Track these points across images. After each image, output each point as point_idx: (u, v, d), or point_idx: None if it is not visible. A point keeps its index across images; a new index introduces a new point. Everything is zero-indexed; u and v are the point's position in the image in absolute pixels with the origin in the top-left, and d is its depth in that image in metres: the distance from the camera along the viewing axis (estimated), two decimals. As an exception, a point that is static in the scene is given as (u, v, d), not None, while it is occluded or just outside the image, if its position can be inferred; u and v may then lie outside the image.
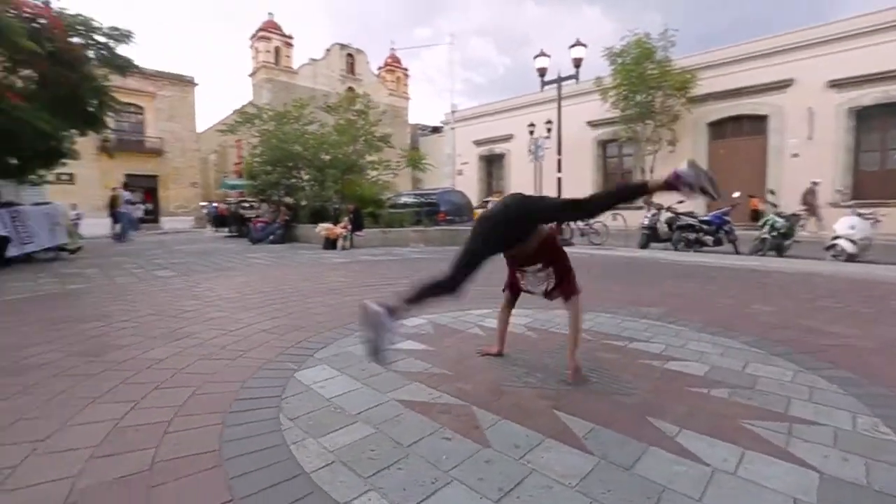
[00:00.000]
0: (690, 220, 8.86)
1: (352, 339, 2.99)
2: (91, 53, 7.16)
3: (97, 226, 16.41)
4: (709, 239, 8.67)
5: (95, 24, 7.16)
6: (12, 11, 6.05)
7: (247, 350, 2.79)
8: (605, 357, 2.64)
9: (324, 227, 9.68)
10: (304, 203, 11.85)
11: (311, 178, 11.75)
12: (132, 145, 23.12)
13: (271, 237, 11.36)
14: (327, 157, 11.81)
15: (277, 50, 31.75)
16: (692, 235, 8.71)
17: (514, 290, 2.61)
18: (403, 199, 15.48)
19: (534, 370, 2.42)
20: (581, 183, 18.78)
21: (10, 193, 12.57)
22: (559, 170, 10.21)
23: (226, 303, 4.18)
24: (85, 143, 21.34)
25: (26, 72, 6.74)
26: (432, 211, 13.85)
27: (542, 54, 10.02)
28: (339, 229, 9.61)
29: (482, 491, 1.40)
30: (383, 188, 12.58)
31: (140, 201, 23.43)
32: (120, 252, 9.36)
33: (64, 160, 8.87)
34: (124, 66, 7.85)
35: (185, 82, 24.18)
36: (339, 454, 1.62)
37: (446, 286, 2.06)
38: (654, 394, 2.10)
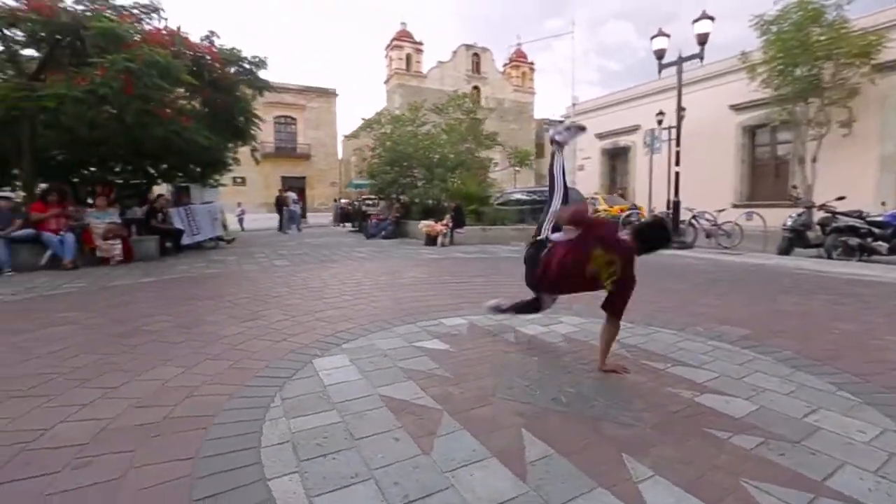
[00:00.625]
0: (853, 222, 7.09)
1: (385, 333, 3.17)
2: (239, 79, 8.70)
3: (258, 220, 19.78)
4: (881, 246, 6.82)
5: (242, 55, 8.68)
6: (187, 52, 7.69)
7: (293, 335, 3.16)
8: (629, 378, 2.35)
9: (425, 224, 10.17)
10: (416, 201, 12.59)
11: (421, 176, 12.41)
12: (287, 151, 27.23)
13: (383, 232, 12.33)
14: (436, 157, 12.34)
15: (408, 57, 34.04)
16: (854, 241, 6.96)
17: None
18: (516, 196, 15.40)
19: (540, 384, 2.28)
20: (722, 177, 16.30)
21: (197, 194, 15.91)
22: (677, 163, 9.03)
23: (308, 291, 4.74)
24: (248, 156, 25.99)
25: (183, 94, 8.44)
26: (542, 208, 13.54)
27: (661, 34, 8.92)
28: (439, 226, 9.99)
29: (389, 495, 1.42)
30: (489, 186, 12.67)
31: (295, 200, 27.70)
32: (260, 243, 11.15)
33: (229, 167, 10.84)
34: (263, 87, 9.35)
35: (328, 94, 27.54)
36: (296, 436, 1.78)
37: None
38: (657, 429, 1.82)
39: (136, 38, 6.44)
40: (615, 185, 21.36)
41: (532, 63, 38.71)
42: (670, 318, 3.49)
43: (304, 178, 27.76)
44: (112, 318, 3.69)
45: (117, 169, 9.83)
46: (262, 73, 9.28)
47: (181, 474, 1.53)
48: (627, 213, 11.69)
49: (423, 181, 12.99)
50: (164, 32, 7.39)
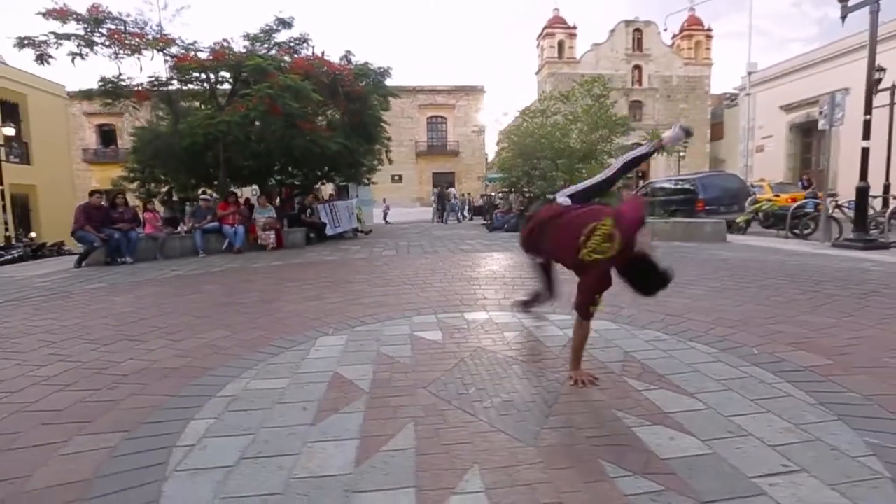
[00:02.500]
0: None
1: (402, 320, 3.42)
2: (367, 89, 9.88)
3: (410, 213, 21.92)
4: None
5: (370, 68, 9.82)
6: (325, 72, 9.12)
7: (329, 314, 3.65)
8: (584, 393, 2.11)
9: (536, 218, 9.93)
10: (539, 193, 12.34)
11: (544, 168, 12.08)
12: (438, 149, 29.26)
13: (506, 226, 12.44)
14: (561, 147, 11.85)
15: (560, 43, 32.80)
16: None
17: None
18: (661, 185, 13.73)
19: (480, 385, 2.23)
20: None
21: (353, 191, 18.42)
22: (865, 136, 6.83)
23: (380, 279, 5.27)
24: (407, 153, 28.70)
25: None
26: (689, 199, 11.83)
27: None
28: (550, 220, 9.65)
29: (249, 447, 1.69)
30: (616, 176, 11.58)
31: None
32: (394, 234, 12.40)
33: (374, 168, 12.37)
34: (388, 94, 10.41)
35: (476, 91, 28.55)
36: (243, 392, 2.19)
37: None
38: (546, 450, 1.65)
39: (281, 66, 7.94)
40: (810, 167, 16.98)
41: (709, 30, 33.19)
42: (741, 335, 2.87)
43: (452, 173, 29.51)
44: (227, 290, 4.79)
45: (293, 173, 12.16)
46: (391, 81, 10.34)
47: (167, 393, 2.07)
48: (799, 203, 9.33)
49: (547, 172, 12.62)
50: (307, 59, 8.88)
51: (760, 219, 10.45)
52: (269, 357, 2.70)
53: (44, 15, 6.97)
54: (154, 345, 2.99)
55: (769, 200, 10.76)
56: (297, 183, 12.48)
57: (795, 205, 9.37)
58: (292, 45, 9.38)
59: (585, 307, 2.18)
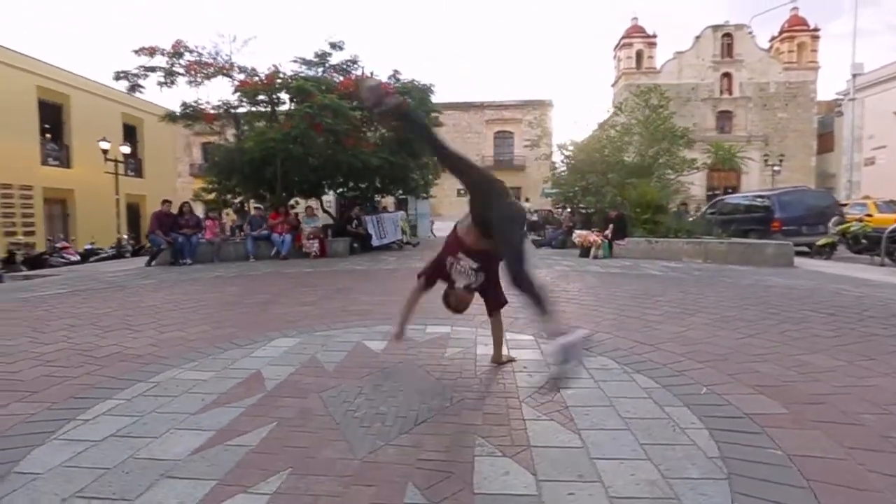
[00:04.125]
0: None
1: (364, 329, 3.51)
2: (413, 106, 10.25)
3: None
4: None
5: (416, 85, 10.18)
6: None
7: (309, 318, 3.85)
8: (467, 415, 2.02)
9: (578, 235, 9.52)
10: (584, 209, 11.84)
11: (595, 182, 11.56)
12: (504, 164, 29.16)
13: (553, 242, 12.06)
14: (613, 161, 11.29)
15: (639, 54, 31.27)
16: None
17: (430, 280, 2.61)
18: (734, 202, 12.46)
19: (377, 395, 2.24)
20: None
21: (412, 204, 18.99)
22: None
23: (386, 290, 5.41)
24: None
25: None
26: (765, 218, 10.62)
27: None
28: (592, 236, 9.19)
29: (123, 423, 1.86)
30: (673, 192, 10.72)
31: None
32: (432, 246, 12.55)
33: (422, 185, 12.75)
34: (434, 112, 10.68)
35: (543, 105, 28.13)
36: (165, 381, 2.41)
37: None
38: (367, 465, 1.62)
39: (330, 87, 8.56)
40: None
41: (815, 29, 29.57)
42: (704, 372, 2.55)
43: (519, 188, 29.20)
44: (243, 292, 5.24)
45: (351, 186, 12.93)
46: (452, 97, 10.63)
47: (113, 375, 2.36)
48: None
49: (602, 187, 12.06)
50: (356, 79, 9.47)
51: (849, 242, 9.02)
52: (220, 352, 2.92)
53: (137, 52, 8.28)
54: (142, 334, 3.39)
55: (859, 221, 9.24)
56: (353, 195, 13.22)
57: (892, 227, 7.96)
58: (345, 66, 10.07)
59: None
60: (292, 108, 9.24)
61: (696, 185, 15.56)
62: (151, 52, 8.41)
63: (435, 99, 10.93)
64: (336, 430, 1.85)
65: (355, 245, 10.66)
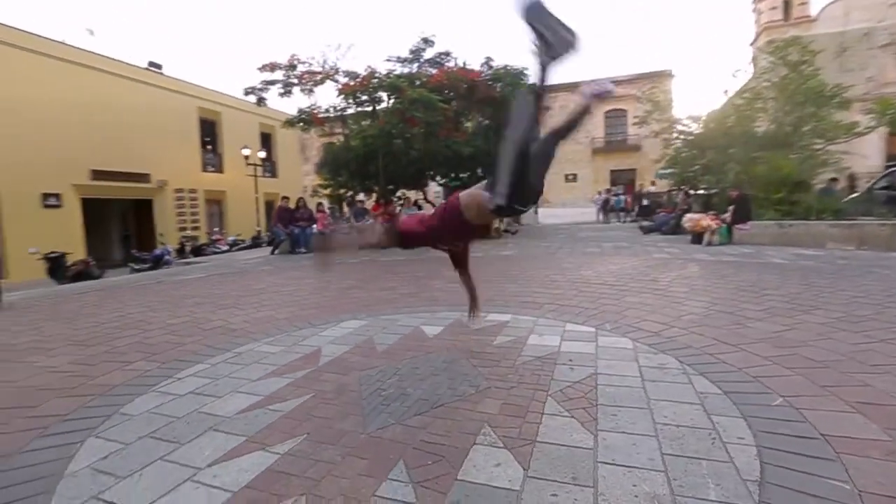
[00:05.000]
0: None
1: (428, 315, 3.64)
2: (503, 93, 10.05)
3: (573, 215, 21.06)
4: None
5: (510, 70, 9.96)
6: (462, 79, 9.71)
7: (381, 302, 4.11)
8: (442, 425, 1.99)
9: (689, 219, 8.47)
10: (703, 190, 10.45)
11: (714, 159, 10.11)
12: (617, 145, 27.05)
13: (663, 227, 10.92)
14: (737, 133, 9.75)
15: (786, 2, 26.26)
16: None
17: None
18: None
19: (410, 378, 2.32)
20: None
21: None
22: None
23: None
24: (583, 150, 27.38)
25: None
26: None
27: None
28: (706, 220, 8.11)
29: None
30: (819, 165, 8.84)
31: (622, 193, 27.34)
32: (530, 234, 12.23)
33: None
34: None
35: (662, 77, 25.26)
36: (246, 351, 2.80)
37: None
38: (368, 439, 1.70)
39: (423, 82, 8.87)
40: None
41: None
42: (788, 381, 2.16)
43: (634, 170, 26.85)
44: (340, 277, 5.77)
45: (454, 176, 13.30)
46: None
47: (204, 342, 2.87)
48: None
49: (725, 164, 10.55)
50: (447, 71, 9.64)
51: None
52: (296, 330, 3.29)
53: (260, 69, 9.54)
54: (244, 311, 3.96)
55: None
56: (456, 185, 13.53)
57: None
58: (438, 59, 10.30)
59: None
60: (389, 105, 9.78)
61: (862, 154, 12.66)
62: (272, 67, 9.61)
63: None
64: (359, 406, 1.98)
65: (451, 233, 10.95)
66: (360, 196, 11.73)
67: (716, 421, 1.70)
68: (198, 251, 13.97)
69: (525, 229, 14.78)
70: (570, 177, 28.46)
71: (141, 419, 1.96)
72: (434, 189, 14.97)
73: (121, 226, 17.34)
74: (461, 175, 12.99)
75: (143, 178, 15.37)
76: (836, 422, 1.66)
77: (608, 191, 19.46)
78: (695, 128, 11.77)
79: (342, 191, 13.02)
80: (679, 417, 1.75)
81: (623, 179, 27.01)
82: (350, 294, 4.64)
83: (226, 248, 14.38)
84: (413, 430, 1.75)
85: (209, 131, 18.63)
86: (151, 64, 16.46)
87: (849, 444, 1.52)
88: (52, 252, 10.70)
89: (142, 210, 16.48)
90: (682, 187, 12.88)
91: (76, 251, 12.11)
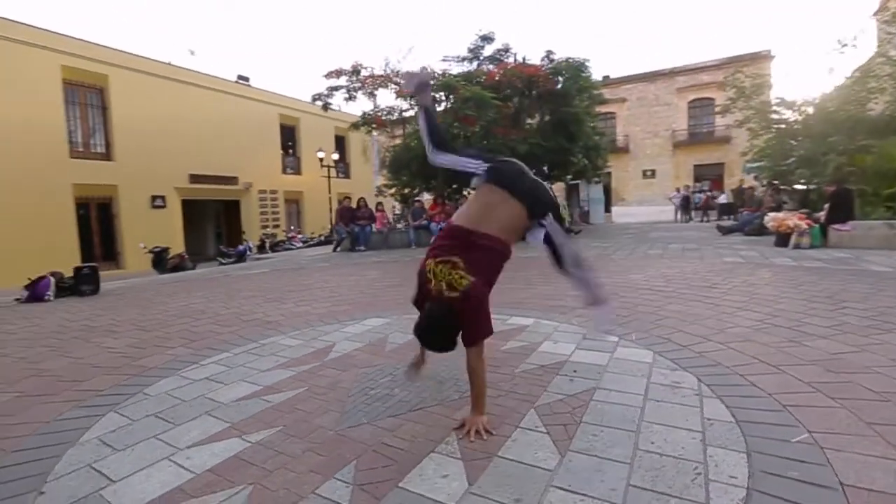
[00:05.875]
0: None
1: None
2: (560, 88, 9.61)
3: (661, 213, 19.75)
4: None
5: (570, 62, 9.52)
6: (520, 74, 9.48)
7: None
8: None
9: (773, 218, 7.50)
10: (801, 186, 9.19)
11: (808, 150, 8.83)
12: (702, 137, 24.72)
13: (746, 227, 9.80)
14: (843, 119, 8.44)
15: (925, -38, 22.13)
16: None
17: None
18: None
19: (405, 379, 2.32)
20: None
21: (584, 189, 18.06)
22: None
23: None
24: (662, 144, 25.43)
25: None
26: None
27: None
28: (792, 220, 7.13)
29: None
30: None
31: (707, 190, 24.98)
32: (595, 233, 11.59)
33: (574, 168, 12.10)
34: (590, 88, 9.80)
35: (759, 59, 22.54)
36: (269, 343, 2.98)
37: None
38: (333, 435, 1.71)
39: (479, 80, 8.82)
40: None
41: None
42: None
43: (721, 164, 24.35)
44: (385, 276, 5.94)
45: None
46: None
47: (234, 330, 3.12)
48: None
49: (825, 155, 9.21)
50: (505, 67, 9.48)
51: None
52: (321, 325, 3.44)
53: (325, 75, 10.10)
54: (284, 306, 4.23)
55: None
56: None
57: None
58: (497, 56, 10.16)
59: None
60: (447, 105, 9.86)
61: None
62: (338, 73, 10.14)
63: (614, 74, 10.09)
64: (342, 403, 2.02)
65: (508, 233, 10.76)
66: (420, 196, 11.95)
67: (710, 454, 1.49)
68: (275, 247, 15.17)
69: (591, 229, 14.16)
70: (648, 173, 26.56)
71: (155, 399, 2.17)
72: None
73: (214, 224, 19.34)
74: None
75: (231, 180, 17.01)
76: (867, 470, 1.37)
77: (687, 187, 17.87)
78: (789, 115, 10.41)
79: (406, 190, 13.38)
80: (668, 445, 1.55)
81: (708, 175, 24.71)
82: (387, 292, 4.74)
83: (299, 245, 15.45)
84: (381, 431, 1.74)
85: (289, 136, 20.11)
86: (240, 77, 18.13)
87: (873, 502, 1.24)
88: (156, 247, 12.24)
89: (231, 210, 18.25)
90: (774, 182, 11.48)
91: (176, 246, 13.74)
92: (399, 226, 10.96)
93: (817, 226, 7.00)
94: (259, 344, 3.02)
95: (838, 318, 2.97)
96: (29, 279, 5.28)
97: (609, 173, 25.44)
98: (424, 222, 10.34)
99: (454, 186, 11.86)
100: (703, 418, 1.72)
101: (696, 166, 25.14)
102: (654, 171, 26.40)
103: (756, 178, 13.77)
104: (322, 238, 16.25)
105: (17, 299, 5.14)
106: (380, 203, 11.22)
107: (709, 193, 17.17)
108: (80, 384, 2.44)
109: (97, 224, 13.45)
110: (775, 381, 2.04)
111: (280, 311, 4.04)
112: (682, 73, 24.79)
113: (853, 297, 3.57)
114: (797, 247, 6.84)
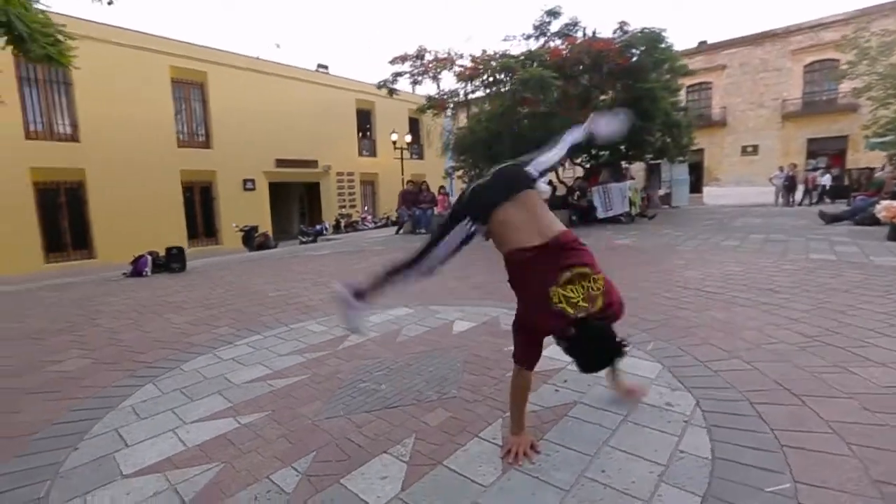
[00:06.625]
0: None
1: (463, 308, 3.64)
2: (634, 62, 8.77)
3: (762, 195, 17.73)
4: None
5: (646, 33, 8.65)
6: (588, 50, 8.85)
7: (425, 294, 4.25)
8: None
9: (886, 206, 6.34)
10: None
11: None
12: (820, 107, 21.25)
13: (856, 216, 8.39)
14: None
15: None
16: None
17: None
18: None
19: (406, 373, 2.42)
20: None
21: (666, 169, 16.69)
22: None
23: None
24: (768, 116, 22.32)
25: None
26: None
27: None
28: (911, 211, 5.98)
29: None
30: None
31: (824, 167, 21.56)
32: (669, 220, 10.63)
33: (651, 149, 11.20)
34: (665, 60, 8.85)
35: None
36: (294, 328, 3.26)
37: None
38: (311, 421, 1.85)
39: (542, 60, 8.45)
40: None
41: None
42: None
43: (844, 137, 20.75)
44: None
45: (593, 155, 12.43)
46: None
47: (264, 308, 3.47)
48: None
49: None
50: (572, 43, 8.94)
51: None
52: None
53: (391, 61, 10.27)
54: (326, 288, 4.54)
55: None
56: (594, 164, 12.59)
57: None
58: (565, 30, 9.58)
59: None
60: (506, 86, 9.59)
61: None
62: (403, 59, 10.27)
63: (711, 39, 9.11)
64: (331, 393, 2.17)
65: (574, 218, 10.32)
66: None
67: (661, 492, 1.39)
68: (349, 227, 16.08)
69: (671, 213, 13.09)
70: (749, 149, 23.55)
71: (186, 375, 2.50)
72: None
73: (298, 205, 20.92)
74: (601, 153, 12.10)
75: (312, 164, 18.21)
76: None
77: (794, 166, 15.60)
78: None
79: (474, 172, 13.33)
80: (618, 476, 1.47)
81: (826, 150, 21.32)
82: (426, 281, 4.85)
83: (370, 226, 16.20)
84: (350, 425, 1.86)
85: (365, 119, 20.91)
86: (319, 66, 19.11)
87: None
88: (246, 226, 13.61)
89: (313, 191, 19.60)
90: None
91: (264, 225, 15.16)
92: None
93: (947, 218, 5.82)
94: (289, 328, 3.30)
95: (915, 339, 2.50)
96: (134, 256, 6.23)
97: (701, 150, 23.08)
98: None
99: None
100: (675, 450, 1.60)
101: (810, 140, 21.77)
102: (755, 147, 23.38)
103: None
104: (389, 220, 16.87)
105: (124, 273, 6.10)
106: (443, 186, 11.31)
107: (815, 173, 14.81)
108: (139, 355, 2.89)
109: (199, 206, 15.27)
110: (789, 414, 1.81)
111: (321, 295, 4.35)
112: (799, 33, 21.31)
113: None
114: (914, 241, 5.75)
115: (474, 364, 2.48)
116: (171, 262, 6.21)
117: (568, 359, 2.45)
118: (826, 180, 14.81)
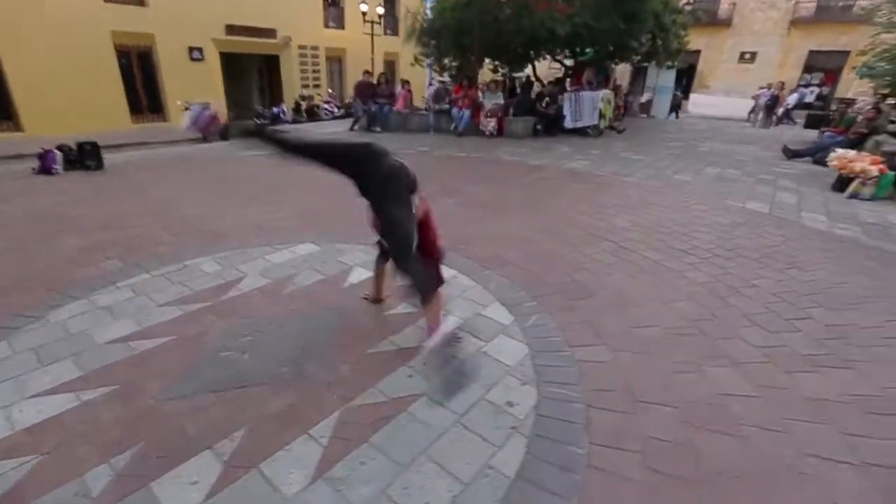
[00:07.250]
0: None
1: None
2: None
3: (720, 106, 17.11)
4: None
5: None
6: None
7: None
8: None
9: (839, 156, 6.21)
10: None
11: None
12: (832, 13, 19.50)
13: (818, 154, 8.24)
14: None
15: None
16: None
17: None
18: None
19: (266, 338, 2.39)
20: None
21: (653, 74, 15.66)
22: None
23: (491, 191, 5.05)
24: (776, 21, 20.44)
25: None
26: None
27: None
28: (862, 163, 5.88)
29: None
30: None
31: (817, 83, 20.60)
32: (635, 136, 10.26)
33: (636, 53, 10.29)
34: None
35: None
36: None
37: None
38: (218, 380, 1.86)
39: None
40: None
41: None
42: None
43: (846, 53, 19.48)
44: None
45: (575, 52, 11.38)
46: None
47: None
48: None
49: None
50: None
51: None
52: (256, 246, 3.52)
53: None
54: (238, 211, 4.32)
55: None
56: (579, 62, 11.57)
57: None
58: None
59: None
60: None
61: None
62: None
63: None
64: (186, 364, 2.14)
65: (538, 127, 9.80)
66: (440, 76, 10.88)
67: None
68: (311, 112, 14.92)
69: (643, 126, 12.61)
70: (747, 55, 22.02)
71: (49, 329, 2.39)
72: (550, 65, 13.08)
73: (259, 80, 19.00)
74: (585, 50, 11.10)
75: (270, 33, 16.08)
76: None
77: (782, 84, 14.84)
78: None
79: (445, 60, 12.13)
80: (417, 495, 1.53)
81: (825, 65, 20.18)
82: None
83: (333, 113, 15.07)
84: (190, 410, 1.87)
85: (332, -18, 18.12)
86: None
87: None
88: (195, 102, 12.41)
89: (273, 66, 17.65)
90: (884, 95, 9.26)
91: (218, 103, 13.86)
92: (423, 109, 10.24)
93: (892, 173, 5.77)
94: (182, 266, 3.15)
95: (787, 333, 2.60)
96: (42, 150, 5.65)
97: (697, 52, 21.46)
98: (446, 106, 9.57)
99: (488, 62, 10.63)
100: (485, 465, 1.66)
101: (811, 52, 20.43)
102: (754, 55, 21.88)
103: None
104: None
105: (33, 169, 5.60)
106: (407, 81, 10.29)
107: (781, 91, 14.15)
108: (4, 297, 2.70)
109: (140, 77, 13.63)
110: (614, 427, 1.87)
111: (237, 218, 4.13)
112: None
113: (848, 295, 3.06)
114: (854, 196, 5.77)
115: (345, 333, 2.45)
116: (85, 158, 5.69)
117: (446, 329, 2.45)
118: (793, 99, 14.56)
